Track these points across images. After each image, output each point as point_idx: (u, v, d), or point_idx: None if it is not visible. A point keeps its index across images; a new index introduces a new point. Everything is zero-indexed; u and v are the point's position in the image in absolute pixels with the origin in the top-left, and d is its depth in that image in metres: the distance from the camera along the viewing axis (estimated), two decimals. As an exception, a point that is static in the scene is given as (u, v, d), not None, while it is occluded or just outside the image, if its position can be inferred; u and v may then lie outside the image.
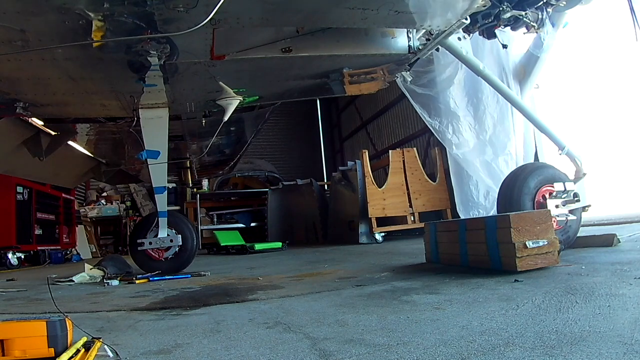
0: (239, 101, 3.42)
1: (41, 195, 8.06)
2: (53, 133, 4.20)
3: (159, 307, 2.08)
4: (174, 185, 9.09)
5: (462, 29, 2.89)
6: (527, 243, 2.16)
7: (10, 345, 1.08)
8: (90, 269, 3.85)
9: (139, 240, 3.65)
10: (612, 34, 4.84)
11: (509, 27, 3.07)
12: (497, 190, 3.22)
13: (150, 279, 3.43)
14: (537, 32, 3.16)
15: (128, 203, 12.48)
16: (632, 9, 3.25)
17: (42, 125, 3.96)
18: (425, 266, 2.91)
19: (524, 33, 3.16)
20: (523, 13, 2.85)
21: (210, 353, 1.13)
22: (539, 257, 2.18)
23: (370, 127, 12.87)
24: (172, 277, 3.51)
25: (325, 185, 10.08)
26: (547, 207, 2.86)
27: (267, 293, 2.21)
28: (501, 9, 2.75)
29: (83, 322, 1.54)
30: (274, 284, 2.62)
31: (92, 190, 12.92)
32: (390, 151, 6.92)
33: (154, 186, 3.43)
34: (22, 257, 7.54)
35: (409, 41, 3.07)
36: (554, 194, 3.01)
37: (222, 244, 7.34)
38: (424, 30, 2.98)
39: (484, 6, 2.66)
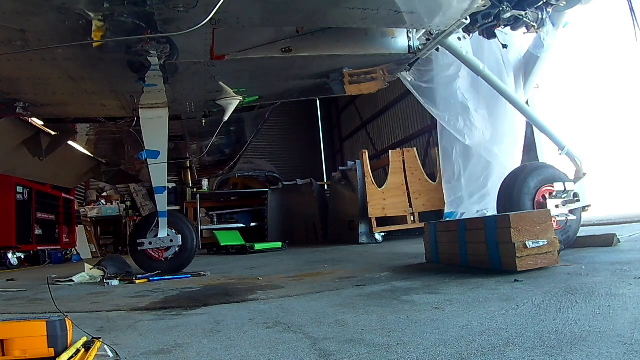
0: (239, 101, 3.42)
1: (41, 195, 8.06)
2: (53, 133, 4.20)
3: (159, 307, 2.08)
4: (174, 185, 9.10)
5: (462, 29, 2.89)
6: (527, 243, 2.16)
7: (10, 345, 1.08)
8: (90, 269, 3.85)
9: (139, 240, 3.65)
10: (612, 34, 4.84)
11: (509, 27, 3.07)
12: (497, 190, 3.22)
13: (150, 279, 3.43)
14: (537, 32, 3.16)
15: (128, 203, 12.48)
16: (632, 9, 3.25)
17: (42, 125, 3.96)
18: (425, 266, 2.91)
19: (524, 33, 3.16)
20: (523, 13, 2.85)
21: (210, 353, 1.13)
22: (539, 257, 2.18)
23: (370, 127, 12.87)
24: (172, 277, 3.51)
25: (325, 185, 10.07)
26: (547, 207, 2.86)
27: (267, 293, 2.21)
28: (501, 9, 2.75)
29: (83, 322, 1.54)
30: (274, 284, 2.62)
31: (92, 190, 12.92)
32: (390, 151, 6.92)
33: (154, 186, 3.43)
34: (22, 257, 7.53)
35: (409, 41, 3.07)
36: (554, 194, 3.01)
37: (221, 244, 7.34)
38: (424, 30, 2.98)
39: (484, 6, 2.66)
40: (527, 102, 4.15)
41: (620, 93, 5.22)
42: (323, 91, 3.65)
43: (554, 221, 2.84)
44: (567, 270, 2.06)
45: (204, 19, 1.99)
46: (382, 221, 6.45)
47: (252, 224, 9.47)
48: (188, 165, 6.96)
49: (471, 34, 3.09)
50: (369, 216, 6.34)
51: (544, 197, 2.98)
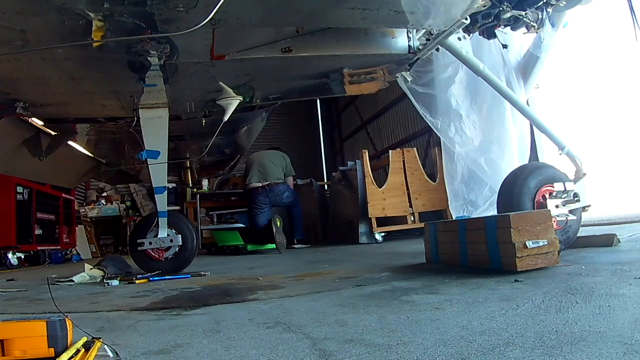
0: (239, 101, 3.42)
1: (41, 195, 8.06)
2: (53, 133, 4.20)
3: (159, 307, 2.08)
4: (174, 185, 9.10)
5: (462, 29, 2.89)
6: (527, 243, 2.16)
7: (10, 345, 1.08)
8: (90, 269, 3.85)
9: (139, 240, 3.65)
10: (612, 34, 4.84)
11: (509, 27, 3.07)
12: (498, 190, 3.22)
13: (150, 279, 3.42)
14: (537, 32, 3.16)
15: (128, 203, 12.48)
16: (632, 9, 3.25)
17: (42, 125, 3.97)
18: (425, 266, 2.91)
19: (524, 33, 3.16)
20: (523, 13, 2.85)
21: (210, 353, 1.13)
22: (539, 257, 2.18)
23: (370, 127, 12.86)
24: (172, 277, 3.50)
25: (325, 185, 10.07)
26: (547, 207, 2.86)
27: (267, 293, 2.21)
28: (501, 9, 2.75)
29: (83, 322, 1.54)
30: (274, 284, 2.62)
31: (92, 190, 12.92)
32: (390, 151, 6.92)
33: (154, 186, 3.43)
34: (22, 257, 7.53)
35: (409, 41, 3.07)
36: (554, 194, 3.01)
37: (219, 245, 7.32)
38: (424, 30, 2.98)
39: (484, 6, 2.66)
40: (527, 102, 4.15)
41: (620, 93, 5.22)
42: (323, 91, 3.65)
43: (554, 221, 2.84)
44: (567, 270, 2.06)
45: (204, 19, 2.00)
46: (382, 221, 6.45)
47: (252, 224, 9.45)
48: (188, 165, 6.96)
49: (471, 34, 3.10)
50: (369, 216, 6.34)
51: (544, 197, 2.98)
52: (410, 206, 6.48)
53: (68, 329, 1.15)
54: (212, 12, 1.96)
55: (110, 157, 5.65)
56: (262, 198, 6.75)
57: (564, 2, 3.01)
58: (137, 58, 2.67)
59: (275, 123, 14.36)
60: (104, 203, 12.24)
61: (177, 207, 9.55)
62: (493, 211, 4.66)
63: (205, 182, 9.92)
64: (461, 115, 4.82)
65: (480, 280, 2.04)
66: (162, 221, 3.60)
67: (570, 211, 3.00)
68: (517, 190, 2.94)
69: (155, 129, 3.34)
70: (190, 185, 7.89)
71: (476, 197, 5.02)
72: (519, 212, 2.61)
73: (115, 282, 3.37)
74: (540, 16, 2.94)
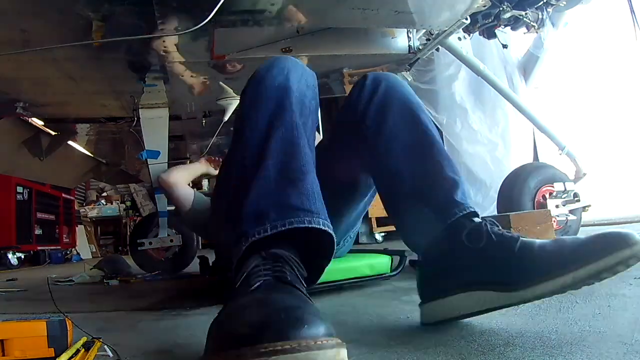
0: (239, 101, 3.42)
1: (41, 195, 8.07)
2: (53, 133, 4.21)
3: (159, 307, 2.08)
4: (174, 185, 9.09)
5: (462, 29, 2.89)
6: (527, 243, 2.15)
7: (10, 345, 1.08)
8: (90, 269, 3.85)
9: (139, 240, 3.65)
10: (612, 34, 4.84)
11: (509, 27, 3.07)
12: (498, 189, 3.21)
13: (151, 279, 3.43)
14: (537, 32, 3.15)
15: (128, 203, 12.48)
16: (632, 9, 3.25)
17: (42, 125, 3.97)
18: (425, 266, 2.90)
19: (524, 33, 3.16)
20: (523, 13, 2.85)
21: (210, 353, 1.12)
22: (539, 257, 2.17)
23: (370, 127, 12.85)
24: (172, 277, 3.51)
25: (326, 185, 10.07)
26: (547, 207, 2.86)
27: (267, 293, 2.20)
28: (501, 9, 2.74)
29: (83, 322, 1.54)
30: (274, 284, 2.61)
31: (92, 190, 12.91)
32: (390, 151, 6.92)
33: (154, 186, 3.44)
34: (22, 257, 7.53)
35: (409, 41, 3.07)
36: (554, 194, 3.01)
37: None
38: (424, 30, 2.98)
39: (484, 6, 2.66)
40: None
41: (620, 93, 5.22)
42: (323, 91, 3.65)
43: (554, 221, 2.84)
44: (567, 270, 2.06)
45: (204, 19, 2.00)
46: (382, 221, 6.44)
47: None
48: (188, 166, 6.94)
49: (471, 34, 3.10)
50: (369, 216, 6.33)
51: (544, 197, 2.98)
52: (411, 206, 6.46)
53: (68, 329, 1.15)
54: (212, 12, 1.96)
55: (110, 157, 5.65)
56: None
57: (564, 2, 3.01)
58: (137, 58, 2.67)
59: (276, 123, 14.34)
60: (104, 203, 12.24)
61: (177, 207, 9.52)
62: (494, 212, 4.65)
63: (205, 182, 9.90)
64: (466, 110, 4.75)
65: (480, 280, 2.03)
66: (163, 221, 3.60)
67: (571, 211, 3.00)
68: (517, 190, 2.94)
69: (155, 129, 3.34)
70: (191, 185, 7.87)
71: (482, 199, 4.95)
72: (519, 212, 2.61)
73: (115, 282, 3.37)
74: (540, 16, 2.94)
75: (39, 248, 7.90)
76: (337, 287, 2.01)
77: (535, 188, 2.95)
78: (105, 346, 1.19)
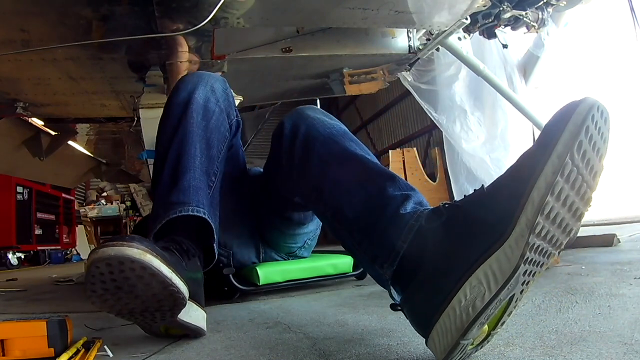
0: (239, 101, 3.42)
1: (41, 195, 8.08)
2: (53, 133, 4.21)
3: (159, 307, 2.08)
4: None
5: (462, 29, 2.89)
6: (527, 243, 2.15)
7: (10, 345, 1.08)
8: (90, 269, 3.84)
9: (139, 240, 3.64)
10: (612, 34, 4.84)
11: (509, 27, 3.07)
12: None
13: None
14: (537, 32, 3.15)
15: (128, 203, 12.48)
16: (632, 9, 3.25)
17: (42, 125, 3.97)
18: (425, 266, 2.90)
19: (524, 33, 3.16)
20: (523, 13, 2.85)
21: (210, 353, 1.13)
22: (539, 257, 2.17)
23: (370, 127, 12.87)
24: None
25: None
26: (547, 207, 2.85)
27: (267, 293, 2.21)
28: (501, 9, 2.74)
29: (83, 322, 1.54)
30: (274, 284, 2.62)
31: (92, 190, 12.93)
32: (390, 151, 6.92)
33: (154, 186, 3.43)
34: (22, 257, 7.54)
35: (409, 41, 3.07)
36: (554, 193, 3.00)
37: None
38: (424, 30, 2.98)
39: (484, 6, 2.66)
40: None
41: (620, 93, 5.22)
42: (323, 91, 3.65)
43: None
44: (567, 270, 2.06)
45: (204, 19, 2.00)
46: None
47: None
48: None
49: (471, 34, 3.10)
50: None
51: (544, 197, 2.98)
52: (411, 206, 6.47)
53: (68, 329, 1.15)
54: (212, 12, 1.96)
55: (110, 157, 5.65)
56: None
57: (564, 2, 3.01)
58: (137, 58, 2.67)
59: (276, 123, 14.34)
60: (104, 203, 12.24)
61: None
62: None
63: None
64: (466, 111, 4.76)
65: (480, 280, 2.03)
66: (162, 221, 3.59)
67: (571, 211, 3.00)
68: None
69: (155, 129, 3.33)
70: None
71: None
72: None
73: (115, 282, 3.36)
74: (540, 16, 2.94)
75: (39, 248, 7.91)
76: (303, 284, 2.20)
77: (535, 188, 2.95)
78: (105, 346, 1.19)
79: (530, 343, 0.96)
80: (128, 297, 1.03)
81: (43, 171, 5.08)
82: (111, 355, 1.16)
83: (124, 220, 11.87)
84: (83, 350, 1.14)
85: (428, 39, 3.04)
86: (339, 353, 1.03)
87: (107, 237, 11.94)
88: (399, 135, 11.30)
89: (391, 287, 1.02)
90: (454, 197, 5.82)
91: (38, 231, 7.83)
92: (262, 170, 1.95)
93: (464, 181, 5.40)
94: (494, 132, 4.68)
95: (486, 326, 0.85)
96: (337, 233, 1.23)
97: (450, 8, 2.52)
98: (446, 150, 5.74)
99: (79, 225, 10.50)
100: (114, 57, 2.69)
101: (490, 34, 3.14)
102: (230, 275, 1.97)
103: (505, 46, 3.39)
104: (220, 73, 2.88)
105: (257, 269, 2.00)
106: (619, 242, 3.04)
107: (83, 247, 10.44)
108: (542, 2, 2.86)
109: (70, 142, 4.62)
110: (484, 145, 4.69)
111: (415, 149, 7.21)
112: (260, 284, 1.99)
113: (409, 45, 3.07)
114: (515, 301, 0.87)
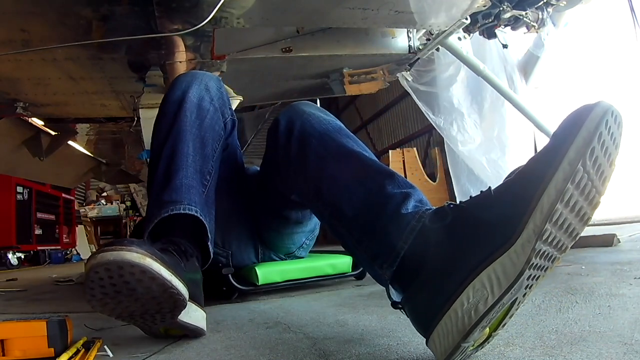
0: (239, 101, 3.42)
1: (41, 195, 8.08)
2: (53, 133, 4.21)
3: (159, 307, 2.08)
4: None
5: (462, 29, 2.89)
6: (527, 243, 2.15)
7: (10, 345, 1.08)
8: (90, 269, 3.84)
9: (139, 240, 3.64)
10: (612, 34, 4.84)
11: (509, 27, 3.07)
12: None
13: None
14: (537, 32, 3.15)
15: (128, 203, 12.50)
16: (632, 9, 3.25)
17: (42, 125, 3.97)
18: (425, 266, 2.90)
19: (524, 33, 3.16)
20: (523, 13, 2.85)
21: (210, 353, 1.13)
22: (539, 257, 2.17)
23: (370, 127, 12.87)
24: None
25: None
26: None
27: (267, 293, 2.21)
28: (501, 9, 2.74)
29: (83, 322, 1.54)
30: (274, 284, 2.61)
31: (92, 190, 12.94)
32: (390, 151, 6.94)
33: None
34: (22, 257, 7.54)
35: (409, 41, 3.07)
36: (554, 193, 3.00)
37: None
38: (424, 30, 2.98)
39: (484, 6, 2.66)
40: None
41: (621, 93, 5.22)
42: (323, 91, 3.65)
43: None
44: (567, 270, 2.06)
45: (204, 19, 2.00)
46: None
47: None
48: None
49: (471, 34, 3.10)
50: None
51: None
52: (411, 206, 6.47)
53: (68, 329, 1.15)
54: (212, 12, 1.96)
55: (110, 157, 5.65)
56: None
57: (564, 2, 3.01)
58: (137, 58, 2.67)
59: (276, 123, 14.33)
60: (104, 203, 12.26)
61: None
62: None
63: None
64: (463, 114, 4.77)
65: (480, 280, 2.03)
66: (162, 221, 3.59)
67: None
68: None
69: (155, 129, 3.33)
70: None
71: None
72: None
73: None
74: (540, 16, 2.94)
75: (39, 248, 7.91)
76: (302, 284, 2.19)
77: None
78: (105, 346, 1.19)
79: (530, 343, 0.96)
80: (128, 300, 1.02)
81: (43, 171, 5.08)
82: (111, 355, 1.16)
83: (124, 220, 11.88)
84: (83, 350, 1.14)
85: (428, 39, 3.04)
86: (339, 353, 1.03)
87: (106, 238, 11.95)
88: (399, 135, 11.31)
89: (390, 287, 1.02)
90: (454, 197, 5.83)
91: (38, 231, 7.84)
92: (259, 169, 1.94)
93: (465, 181, 5.40)
94: (491, 134, 4.69)
95: (487, 328, 0.85)
96: (336, 231, 1.22)
97: (450, 8, 2.52)
98: (447, 151, 5.74)
99: (79, 225, 10.51)
100: (114, 57, 2.69)
101: (490, 34, 3.14)
102: (230, 275, 1.98)
103: (505, 46, 3.39)
104: (219, 73, 2.88)
105: (256, 268, 2.00)
106: (619, 242, 3.04)
107: (83, 247, 10.45)
108: (542, 2, 2.87)
109: (70, 142, 4.62)
110: (480, 147, 4.71)
111: (415, 149, 7.22)
112: (259, 284, 1.99)
113: (409, 45, 3.07)
114: (518, 304, 0.87)
